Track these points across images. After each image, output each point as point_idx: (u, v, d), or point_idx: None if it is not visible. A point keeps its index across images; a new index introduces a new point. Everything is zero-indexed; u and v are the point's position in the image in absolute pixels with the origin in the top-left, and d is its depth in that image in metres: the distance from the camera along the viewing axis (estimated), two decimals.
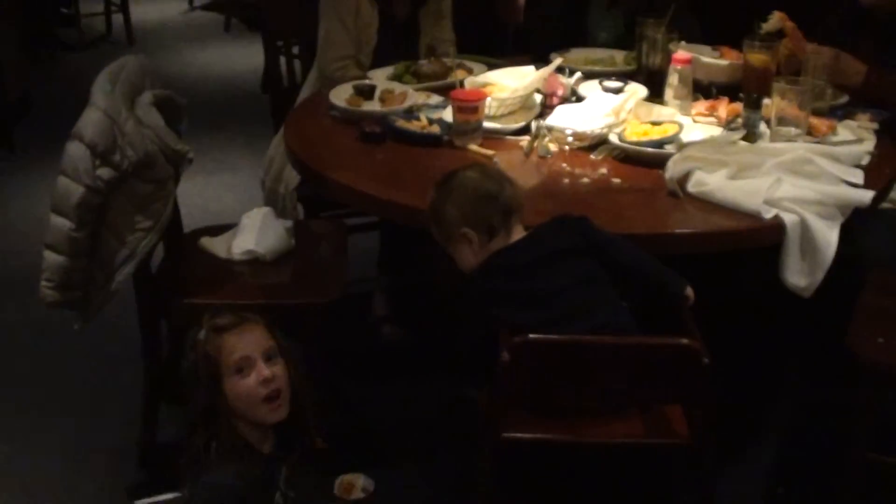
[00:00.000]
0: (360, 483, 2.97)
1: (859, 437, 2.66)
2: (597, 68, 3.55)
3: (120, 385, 3.49)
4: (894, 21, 3.32)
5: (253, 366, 2.23)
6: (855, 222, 2.65)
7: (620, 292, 2.40)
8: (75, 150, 2.65)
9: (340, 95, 3.27)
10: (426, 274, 3.72)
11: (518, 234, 2.43)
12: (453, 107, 2.97)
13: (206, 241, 3.22)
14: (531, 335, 2.19)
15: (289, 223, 3.27)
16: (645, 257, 2.43)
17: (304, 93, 3.88)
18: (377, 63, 3.70)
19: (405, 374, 3.58)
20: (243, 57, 7.89)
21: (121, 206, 2.77)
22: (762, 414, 3.31)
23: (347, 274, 3.16)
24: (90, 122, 2.67)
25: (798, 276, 2.56)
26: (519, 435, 2.32)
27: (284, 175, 3.70)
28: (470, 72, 3.51)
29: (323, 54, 3.74)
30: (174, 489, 2.98)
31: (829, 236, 2.54)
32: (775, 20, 3.21)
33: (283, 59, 4.27)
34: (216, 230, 3.31)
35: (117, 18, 8.34)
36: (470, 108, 2.93)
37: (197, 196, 4.94)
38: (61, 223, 2.66)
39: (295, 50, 4.38)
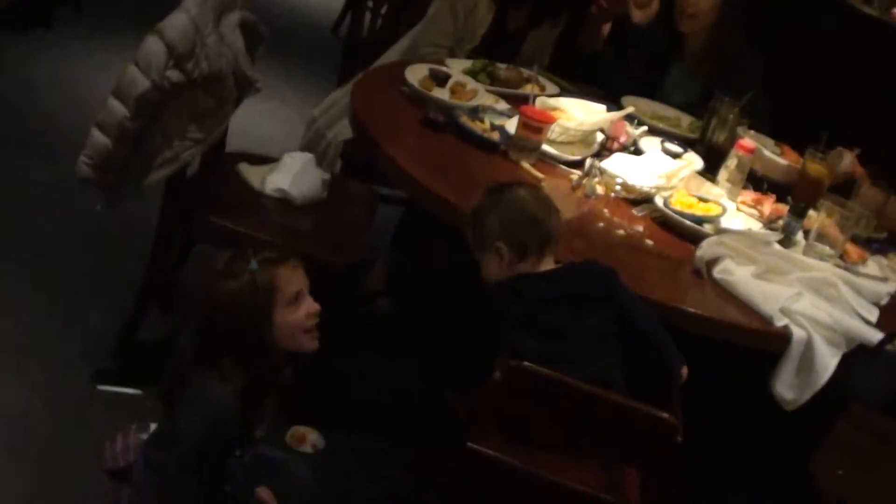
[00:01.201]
0: (311, 438, 3.04)
1: None
2: (661, 125, 3.60)
3: (120, 274, 3.49)
4: None
5: (303, 299, 2.37)
6: (853, 353, 2.71)
7: (621, 349, 2.46)
8: (153, 46, 2.70)
9: (415, 74, 3.31)
10: (438, 265, 3.78)
11: (547, 264, 2.48)
12: (520, 121, 3.01)
13: (244, 168, 3.27)
14: (526, 363, 2.24)
15: (326, 175, 3.32)
16: (656, 327, 2.47)
17: (390, 55, 3.92)
18: None
19: (389, 351, 3.62)
20: None
21: (178, 112, 2.81)
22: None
23: (367, 241, 3.23)
24: (176, 23, 2.71)
25: (787, 388, 2.62)
26: (484, 449, 2.36)
27: (340, 124, 3.74)
28: (543, 88, 3.56)
29: (423, 33, 3.78)
30: (138, 386, 3.08)
31: (828, 362, 2.59)
32: (847, 162, 3.25)
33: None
34: (256, 159, 3.36)
35: None
36: (536, 127, 2.98)
37: (241, 116, 4.92)
38: (118, 108, 2.70)
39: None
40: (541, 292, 2.42)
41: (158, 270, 3.12)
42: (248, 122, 5.06)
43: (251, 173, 3.25)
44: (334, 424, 3.08)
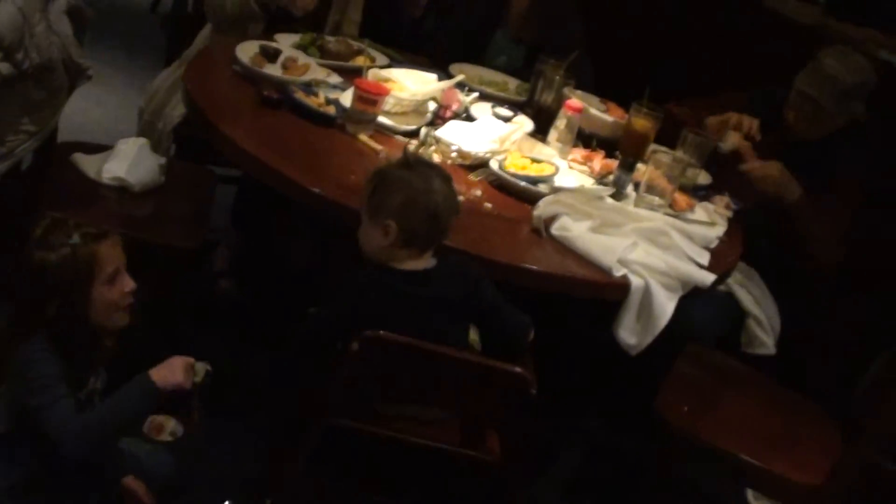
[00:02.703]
0: (170, 426, 3.04)
1: (647, 489, 2.89)
2: (490, 90, 3.68)
3: None
4: (804, 148, 3.52)
5: (121, 276, 2.35)
6: (688, 295, 2.85)
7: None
8: None
9: (246, 52, 3.30)
10: (277, 241, 3.79)
11: (425, 259, 2.46)
12: (355, 94, 3.04)
13: (79, 158, 3.22)
14: (382, 332, 2.29)
15: (162, 160, 3.31)
16: (512, 313, 2.57)
17: (205, 31, 3.89)
18: (281, 22, 3.71)
19: (234, 329, 3.62)
20: None
21: (9, 106, 2.79)
22: (558, 449, 3.51)
23: (209, 223, 3.24)
24: (2, 14, 2.69)
25: (630, 334, 2.74)
26: (343, 421, 2.42)
27: (166, 111, 3.72)
28: (373, 60, 3.60)
29: None
30: None
31: (666, 306, 2.72)
32: (732, 140, 3.38)
33: None
34: (90, 148, 3.31)
35: None
36: (371, 100, 3.02)
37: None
38: None
39: None
40: (408, 292, 2.41)
41: None
42: (73, 109, 4.93)
43: (86, 163, 3.21)
44: (186, 410, 3.10)
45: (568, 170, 3.22)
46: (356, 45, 3.65)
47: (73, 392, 2.30)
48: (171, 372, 2.35)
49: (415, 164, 2.51)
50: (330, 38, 3.64)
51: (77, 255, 2.27)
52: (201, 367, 2.47)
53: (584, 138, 3.43)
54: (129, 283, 2.36)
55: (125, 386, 2.32)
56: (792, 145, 3.55)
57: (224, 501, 2.89)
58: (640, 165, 3.19)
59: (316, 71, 3.36)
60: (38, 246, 2.28)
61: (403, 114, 3.25)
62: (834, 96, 3.44)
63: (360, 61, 3.54)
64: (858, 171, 3.49)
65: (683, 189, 3.22)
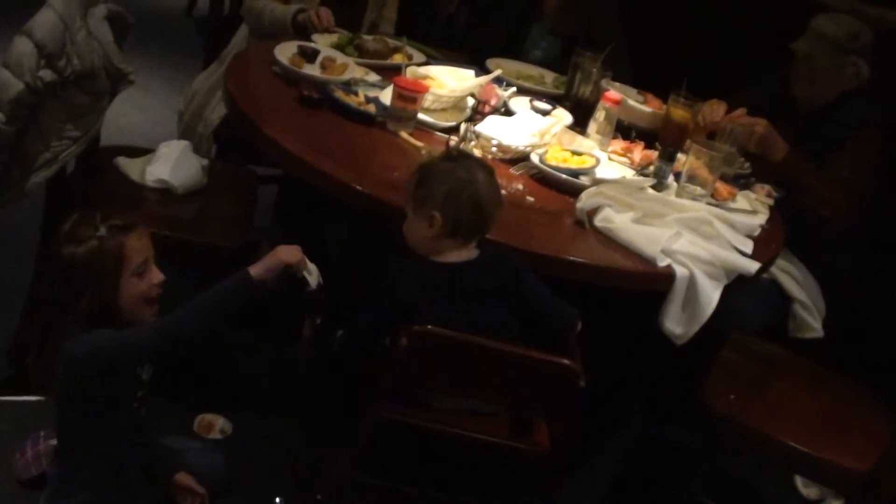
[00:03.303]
0: (219, 424, 3.09)
1: (695, 479, 2.88)
2: (527, 84, 3.69)
3: (7, 280, 3.41)
4: (814, 117, 3.53)
5: (148, 269, 2.36)
6: (732, 284, 2.84)
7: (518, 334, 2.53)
8: (23, 47, 2.68)
9: (284, 53, 3.33)
10: (318, 238, 3.81)
11: (469, 249, 2.50)
12: (394, 92, 3.06)
13: (122, 161, 3.26)
14: (430, 326, 2.30)
15: (204, 161, 3.34)
16: (557, 305, 2.58)
17: (240, 33, 3.92)
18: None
19: (278, 327, 3.63)
20: None
21: (54, 112, 2.80)
22: (604, 436, 3.51)
23: (252, 222, 3.26)
24: (43, 22, 2.70)
25: (676, 324, 2.74)
26: (395, 415, 2.44)
27: (205, 114, 3.75)
28: (410, 58, 3.62)
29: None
30: (38, 392, 3.05)
31: (711, 295, 2.72)
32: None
33: None
34: (133, 152, 3.35)
35: None
36: (411, 97, 3.04)
37: None
38: None
39: None
40: (451, 285, 2.44)
41: None
42: (113, 113, 4.94)
43: (130, 166, 3.24)
44: (236, 407, 3.13)
45: (608, 161, 3.21)
46: (393, 43, 3.67)
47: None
48: (269, 256, 2.45)
49: (458, 157, 2.56)
50: (367, 37, 3.66)
51: (104, 247, 2.28)
52: (313, 267, 2.54)
53: (623, 130, 3.43)
54: (157, 275, 2.38)
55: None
56: (801, 118, 3.56)
57: (274, 499, 2.91)
58: (680, 156, 3.19)
59: (354, 70, 3.38)
60: (67, 240, 2.29)
61: (443, 110, 3.27)
62: (827, 51, 3.49)
63: (397, 59, 3.56)
64: (871, 128, 3.50)
65: (724, 178, 3.21)
